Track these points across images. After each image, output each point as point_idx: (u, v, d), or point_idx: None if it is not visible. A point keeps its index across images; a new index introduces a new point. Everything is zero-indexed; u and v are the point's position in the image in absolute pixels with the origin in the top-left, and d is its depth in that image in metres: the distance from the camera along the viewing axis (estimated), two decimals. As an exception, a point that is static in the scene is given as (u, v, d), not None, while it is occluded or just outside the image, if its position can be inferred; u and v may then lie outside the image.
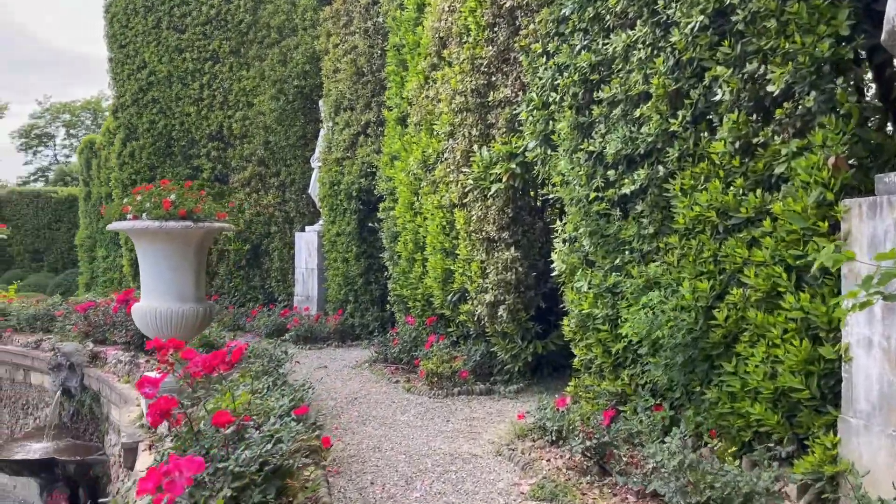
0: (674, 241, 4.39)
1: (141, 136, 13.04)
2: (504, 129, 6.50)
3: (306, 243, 10.95)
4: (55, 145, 51.83)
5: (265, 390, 4.33)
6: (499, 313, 6.59)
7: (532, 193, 6.82)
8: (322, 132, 10.84)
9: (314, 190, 10.95)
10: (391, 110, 8.71)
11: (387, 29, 9.22)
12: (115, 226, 5.72)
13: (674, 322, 4.12)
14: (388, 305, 9.16)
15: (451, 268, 7.26)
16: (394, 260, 8.57)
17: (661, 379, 4.37)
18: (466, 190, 6.89)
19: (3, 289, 15.60)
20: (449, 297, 7.36)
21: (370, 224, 9.44)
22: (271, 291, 12.21)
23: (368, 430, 5.25)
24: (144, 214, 5.65)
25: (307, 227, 11.23)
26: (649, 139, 4.50)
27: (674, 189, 4.33)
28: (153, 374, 3.88)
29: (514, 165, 6.27)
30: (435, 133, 7.56)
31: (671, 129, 4.35)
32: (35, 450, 8.20)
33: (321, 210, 10.59)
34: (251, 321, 10.75)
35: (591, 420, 4.90)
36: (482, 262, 6.75)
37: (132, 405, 6.42)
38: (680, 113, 4.30)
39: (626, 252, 4.81)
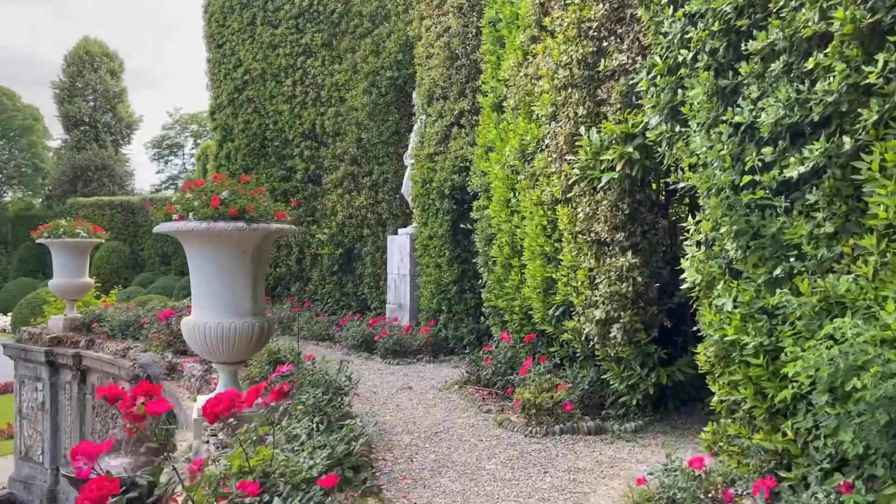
0: (868, 243, 3.04)
1: (236, 137, 12.74)
2: (618, 106, 5.26)
3: (398, 247, 10.06)
4: (184, 154, 54.67)
5: (304, 437, 3.36)
6: (611, 333, 5.34)
7: (654, 185, 5.53)
8: (415, 127, 9.93)
9: (407, 189, 10.05)
10: (486, 95, 7.63)
11: (482, 3, 8.15)
12: (159, 228, 4.99)
13: (878, 364, 2.77)
14: (483, 317, 8.07)
15: (553, 276, 6.08)
16: (488, 266, 7.47)
17: (851, 444, 3.01)
18: (571, 182, 5.69)
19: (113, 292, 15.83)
20: (551, 311, 6.18)
21: (464, 225, 8.40)
22: (364, 298, 11.44)
23: (443, 484, 4.18)
24: (191, 214, 4.87)
25: (400, 230, 10.35)
26: (829, 99, 3.16)
27: (869, 169, 2.99)
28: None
29: (630, 149, 5.02)
30: (534, 117, 6.40)
31: (865, 81, 3.00)
32: (111, 466, 7.75)
33: (413, 211, 9.67)
34: (340, 331, 9.99)
35: (738, 487, 3.62)
36: (590, 269, 5.53)
37: (188, 431, 5.73)
38: (880, 57, 2.95)
39: (792, 259, 3.47)
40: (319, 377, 4.84)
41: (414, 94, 10.16)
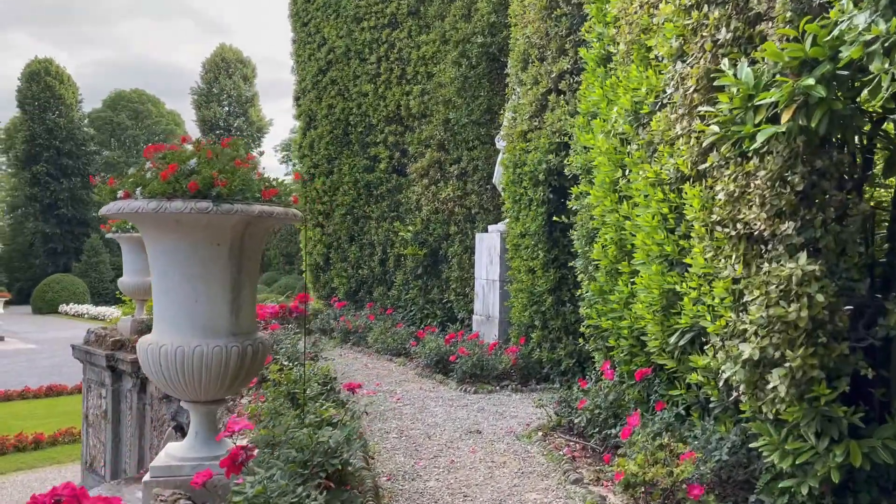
0: None
1: (319, 124, 11.60)
2: (787, 16, 3.28)
3: (487, 247, 8.35)
4: (311, 157, 55.68)
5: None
6: (769, 383, 3.36)
7: (845, 144, 3.48)
8: (508, 103, 8.20)
9: (498, 177, 8.33)
10: (590, 48, 5.78)
11: (587, -70, 6.30)
12: (102, 210, 3.60)
13: None
14: (583, 338, 6.20)
15: (677, 288, 4.15)
16: (588, 272, 5.60)
17: None
18: (706, 146, 3.75)
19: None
20: (672, 339, 4.25)
21: (557, 218, 6.56)
22: (450, 307, 9.80)
23: None
24: (138, 190, 3.44)
25: (490, 227, 8.63)
26: None
27: None
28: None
29: (810, 81, 3.02)
30: (652, 60, 4.51)
31: None
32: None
33: (504, 203, 7.93)
34: (417, 346, 8.41)
35: None
36: (736, 280, 3.57)
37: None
38: None
39: None
40: (303, 437, 3.22)
41: (509, 64, 8.43)
